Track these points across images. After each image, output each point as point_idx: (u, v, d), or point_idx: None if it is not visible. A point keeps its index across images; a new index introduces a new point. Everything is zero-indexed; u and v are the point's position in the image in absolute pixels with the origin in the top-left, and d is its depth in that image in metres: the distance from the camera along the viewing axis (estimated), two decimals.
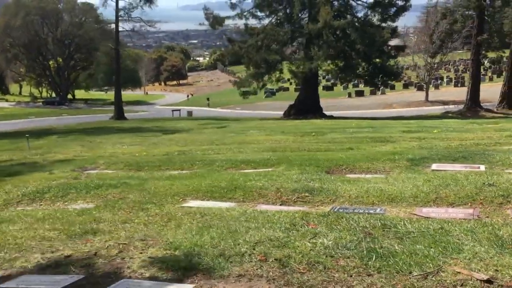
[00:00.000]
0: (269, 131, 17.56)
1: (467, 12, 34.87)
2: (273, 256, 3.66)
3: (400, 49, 38.30)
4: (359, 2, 37.61)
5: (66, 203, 6.68)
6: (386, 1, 36.00)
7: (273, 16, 37.71)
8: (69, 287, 3.43)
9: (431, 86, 56.44)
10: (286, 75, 42.95)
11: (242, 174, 7.38)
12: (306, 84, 38.68)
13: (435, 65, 47.18)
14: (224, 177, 7.12)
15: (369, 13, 37.42)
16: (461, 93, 56.30)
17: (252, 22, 38.18)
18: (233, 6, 37.57)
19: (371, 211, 4.98)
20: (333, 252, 3.70)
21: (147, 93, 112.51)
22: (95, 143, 16.87)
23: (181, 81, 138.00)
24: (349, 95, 61.35)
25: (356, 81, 73.10)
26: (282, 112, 43.43)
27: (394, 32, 36.94)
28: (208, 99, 72.71)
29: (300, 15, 36.12)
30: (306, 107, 38.23)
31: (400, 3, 36.16)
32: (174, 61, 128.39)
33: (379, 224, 4.33)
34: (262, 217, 4.74)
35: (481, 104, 37.21)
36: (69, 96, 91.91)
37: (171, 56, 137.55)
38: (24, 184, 7.75)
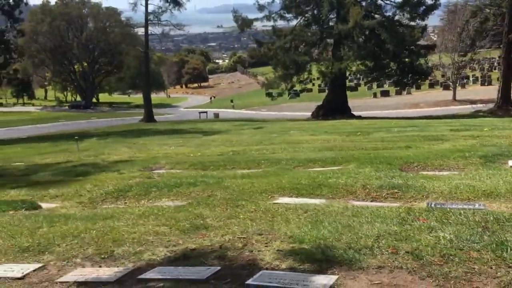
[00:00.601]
0: (311, 131, 17.62)
1: (498, 10, 34.42)
2: (403, 249, 3.75)
3: (429, 48, 38.04)
4: (387, 1, 37.41)
5: (150, 201, 6.87)
6: (415, 0, 35.75)
7: (301, 17, 37.71)
8: (212, 277, 3.57)
9: (457, 85, 55.83)
10: (311, 75, 42.88)
11: (317, 172, 7.47)
12: (334, 84, 38.59)
13: (463, 64, 46.62)
14: (300, 175, 7.23)
15: (397, 12, 37.17)
16: (488, 92, 55.68)
17: (280, 23, 38.26)
18: (260, 8, 37.65)
19: (471, 206, 5.03)
20: (460, 245, 3.77)
21: (169, 95, 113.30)
22: (138, 144, 17.11)
23: (202, 84, 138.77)
24: (374, 95, 61.01)
25: (380, 81, 72.87)
26: (308, 113, 43.39)
27: (423, 31, 36.67)
28: (232, 101, 72.97)
29: (328, 15, 36.05)
30: (334, 107, 38.09)
31: (429, 1, 35.87)
32: (196, 64, 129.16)
33: (491, 218, 4.38)
34: (367, 212, 4.83)
35: None
36: (94, 100, 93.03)
37: (192, 59, 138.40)
38: (102, 184, 7.97)
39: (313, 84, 79.16)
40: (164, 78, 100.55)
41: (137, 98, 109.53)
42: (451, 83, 57.06)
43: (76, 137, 17.12)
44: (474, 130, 13.54)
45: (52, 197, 7.59)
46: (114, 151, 14.54)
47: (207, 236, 4.55)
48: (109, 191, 7.40)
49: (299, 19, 37.90)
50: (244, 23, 37.00)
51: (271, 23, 37.82)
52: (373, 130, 15.98)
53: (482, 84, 60.82)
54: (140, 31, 46.72)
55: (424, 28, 36.95)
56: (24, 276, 4.17)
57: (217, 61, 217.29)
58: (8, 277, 4.15)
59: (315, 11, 37.62)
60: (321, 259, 3.66)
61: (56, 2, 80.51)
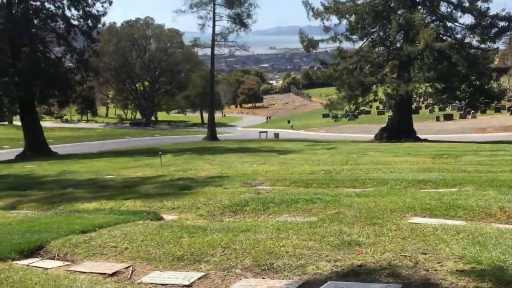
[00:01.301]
0: (390, 153, 17.36)
1: None
2: None
3: (502, 71, 36.90)
4: (457, 24, 36.70)
5: (270, 216, 6.89)
6: (487, 22, 34.86)
7: (367, 38, 37.52)
8: None
9: None
10: (377, 97, 42.36)
11: (436, 193, 7.30)
12: (399, 107, 37.95)
13: None
14: (421, 195, 7.08)
15: (467, 34, 36.35)
16: None
17: (345, 44, 38.19)
18: (326, 29, 37.75)
19: None
20: None
21: (225, 115, 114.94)
22: (217, 161, 17.34)
23: (256, 104, 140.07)
24: (437, 118, 59.60)
25: (443, 105, 71.18)
26: (368, 135, 42.88)
27: (496, 54, 35.65)
28: (289, 121, 73.25)
29: (395, 36, 35.67)
30: (399, 130, 37.43)
31: (502, 23, 34.89)
32: (251, 84, 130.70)
33: None
34: None
35: None
36: (152, 118, 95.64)
37: (248, 79, 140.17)
38: (214, 197, 8.09)
39: (370, 106, 78.34)
40: (221, 97, 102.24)
41: (193, 117, 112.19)
42: None
43: (160, 153, 17.57)
44: None
45: (169, 209, 7.77)
46: (199, 167, 14.78)
47: (365, 253, 4.50)
48: (225, 204, 7.49)
49: (364, 40, 37.72)
50: (310, 44, 37.18)
51: (337, 44, 37.84)
52: (459, 153, 15.55)
53: None
54: (201, 51, 47.70)
55: (496, 50, 35.90)
56: (191, 284, 4.26)
57: (270, 82, 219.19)
58: (176, 284, 4.26)
59: (381, 33, 37.38)
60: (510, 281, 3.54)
61: (121, 24, 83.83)
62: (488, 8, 34.43)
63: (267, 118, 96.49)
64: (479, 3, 34.85)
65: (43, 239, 5.72)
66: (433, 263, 4.06)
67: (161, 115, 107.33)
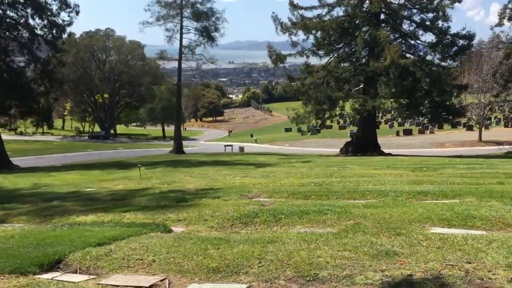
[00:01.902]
0: (367, 166, 17.61)
1: None
2: None
3: (461, 88, 38.21)
4: (419, 41, 37.86)
5: (284, 227, 6.83)
6: (448, 40, 36.15)
7: (333, 54, 38.20)
8: None
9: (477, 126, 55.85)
10: (343, 111, 43.11)
11: (442, 204, 7.42)
12: (364, 121, 38.67)
13: (491, 105, 46.75)
14: (431, 207, 7.18)
15: (428, 51, 37.55)
16: None
17: (313, 60, 38.72)
18: (294, 44, 38.23)
19: None
20: None
21: (185, 128, 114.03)
22: (195, 174, 17.13)
23: (217, 118, 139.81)
24: (397, 133, 61.07)
25: (406, 120, 73.09)
26: (332, 149, 43.55)
27: (457, 71, 36.94)
28: (251, 135, 73.40)
29: (361, 53, 36.46)
30: (364, 144, 38.11)
31: (462, 42, 36.24)
32: (212, 98, 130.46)
33: None
34: None
35: None
36: (111, 131, 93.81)
37: (208, 92, 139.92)
38: (219, 209, 7.95)
39: (332, 121, 79.68)
40: (183, 111, 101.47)
41: (153, 130, 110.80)
42: (474, 124, 57.16)
43: (139, 165, 17.20)
44: None
45: (174, 221, 7.58)
46: (181, 179, 14.54)
47: (407, 262, 4.51)
48: (235, 216, 7.37)
49: (331, 56, 38.37)
50: (278, 58, 37.50)
51: (304, 59, 38.32)
52: (436, 166, 15.93)
53: (506, 126, 60.87)
54: (168, 65, 47.45)
55: (457, 68, 37.23)
56: None
57: (230, 96, 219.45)
58: None
59: (347, 49, 38.15)
60: None
61: (81, 35, 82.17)
62: (449, 27, 35.74)
63: (229, 132, 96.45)
64: (440, 22, 36.14)
65: (60, 252, 5.46)
66: (484, 272, 4.10)
67: (120, 128, 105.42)
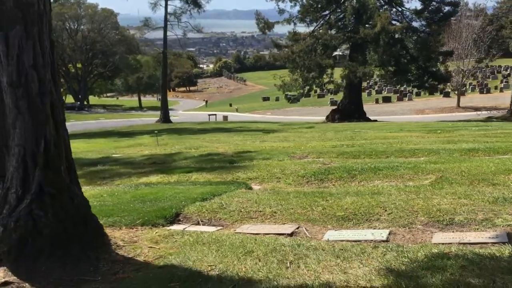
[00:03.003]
0: (379, 130, 17.98)
1: None
2: None
3: (447, 54, 38.88)
4: (404, 8, 38.13)
5: (361, 182, 7.05)
6: (434, 7, 36.56)
7: (320, 21, 38.17)
8: None
9: (456, 92, 57.08)
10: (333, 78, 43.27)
11: (508, 159, 7.70)
12: (351, 89, 39.10)
13: (472, 71, 47.77)
14: (498, 161, 7.41)
15: (414, 18, 37.89)
16: (489, 99, 57.19)
17: (300, 27, 38.63)
18: (281, 12, 38.04)
19: None
20: None
21: (159, 99, 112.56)
22: (208, 139, 17.13)
23: (190, 88, 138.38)
24: (376, 101, 61.87)
25: (378, 87, 73.93)
26: (315, 117, 44.06)
27: (444, 37, 37.49)
28: (231, 104, 73.24)
29: (350, 19, 36.50)
30: (350, 111, 38.64)
31: (447, 8, 36.72)
32: (186, 68, 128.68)
33: None
34: None
35: None
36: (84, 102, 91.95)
37: (179, 62, 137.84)
38: (286, 168, 8.07)
39: (315, 91, 79.97)
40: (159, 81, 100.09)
41: (126, 100, 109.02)
42: (450, 91, 58.39)
43: (155, 131, 17.13)
44: None
45: (245, 180, 7.67)
46: (202, 144, 14.56)
47: None
48: (307, 174, 7.54)
49: (318, 23, 38.33)
50: (266, 26, 37.28)
51: (291, 26, 38.21)
52: (448, 128, 16.39)
53: (481, 92, 62.33)
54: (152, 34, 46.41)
55: (443, 35, 37.75)
56: (387, 239, 4.34)
57: (201, 66, 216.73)
58: (371, 240, 4.28)
59: (332, 16, 38.17)
60: None
61: (51, 3, 79.33)
62: None
63: (205, 102, 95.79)
64: None
65: (175, 206, 5.55)
66: None
67: (92, 99, 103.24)
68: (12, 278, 3.53)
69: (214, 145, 14.44)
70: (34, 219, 3.73)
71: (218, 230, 4.95)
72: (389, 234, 4.45)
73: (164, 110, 41.97)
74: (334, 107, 47.64)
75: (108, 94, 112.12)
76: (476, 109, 50.41)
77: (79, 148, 16.70)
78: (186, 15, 40.10)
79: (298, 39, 38.05)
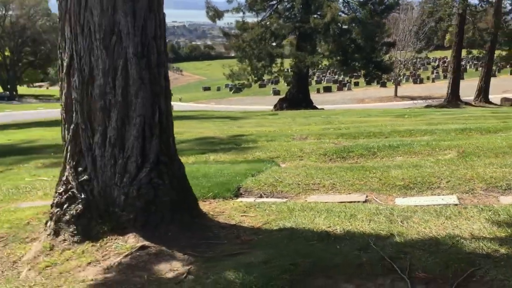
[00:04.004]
0: (349, 116, 18.57)
1: (452, 11, 37.52)
2: None
3: (390, 45, 40.57)
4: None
5: (383, 159, 7.41)
6: None
7: (268, 10, 38.60)
8: None
9: (391, 82, 59.62)
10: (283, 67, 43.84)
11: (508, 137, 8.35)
12: (298, 78, 39.94)
13: (405, 62, 50.08)
14: (502, 138, 8.03)
15: (358, 9, 39.11)
16: (422, 89, 60.27)
17: (249, 16, 38.88)
18: (229, 0, 38.21)
19: None
20: None
21: None
22: (186, 126, 16.97)
23: None
24: (318, 90, 63.31)
25: (317, 78, 75.55)
26: (263, 107, 44.73)
27: (389, 28, 39.06)
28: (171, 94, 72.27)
29: (300, 9, 37.12)
30: (298, 100, 39.47)
31: (389, 1, 38.20)
32: None
33: None
34: None
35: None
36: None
37: None
38: (303, 148, 8.31)
39: (248, 80, 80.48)
40: None
41: (56, 90, 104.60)
42: (386, 81, 60.91)
43: None
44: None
45: (267, 159, 7.83)
46: (183, 130, 14.48)
47: None
48: (327, 152, 7.81)
49: (267, 12, 38.74)
50: (216, 14, 37.23)
51: (240, 15, 38.40)
52: (414, 113, 17.27)
53: (415, 82, 65.41)
54: None
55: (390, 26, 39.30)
56: (459, 202, 4.72)
57: None
58: (447, 204, 4.64)
59: (279, 6, 38.74)
60: None
61: None
62: None
63: None
64: None
65: (234, 181, 5.68)
66: None
67: (20, 89, 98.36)
68: (145, 243, 3.58)
69: (196, 130, 14.41)
70: (154, 187, 3.79)
71: (290, 200, 5.14)
72: (459, 199, 4.83)
73: None
74: (278, 97, 48.53)
75: (36, 84, 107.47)
76: (412, 98, 53.00)
77: (40, 136, 16.08)
78: None
79: (247, 28, 38.33)
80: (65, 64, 3.75)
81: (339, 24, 34.06)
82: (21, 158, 9.84)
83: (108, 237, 3.68)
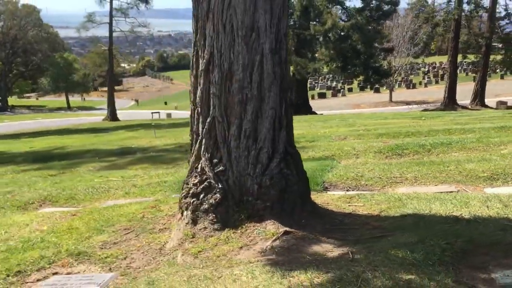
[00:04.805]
0: (365, 119, 18.83)
1: (448, 16, 38.09)
2: None
3: (388, 50, 41.14)
4: (345, 6, 39.71)
5: (439, 155, 7.64)
6: (374, 5, 38.45)
7: None
8: None
9: (384, 88, 60.24)
10: None
11: None
12: (298, 84, 40.24)
13: (400, 68, 50.70)
14: None
15: (355, 16, 39.59)
16: (416, 94, 60.97)
17: None
18: None
19: None
20: None
21: (84, 99, 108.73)
22: None
23: (116, 87, 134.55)
24: (312, 97, 63.67)
25: (310, 84, 76.00)
26: None
27: (388, 34, 39.60)
28: (166, 103, 72.51)
29: (299, 16, 37.48)
30: (298, 105, 39.76)
31: (387, 7, 38.75)
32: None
33: None
34: None
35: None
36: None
37: (102, 60, 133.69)
38: (355, 147, 8.51)
39: None
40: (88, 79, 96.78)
41: (49, 101, 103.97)
42: (379, 86, 61.49)
43: (153, 124, 16.90)
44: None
45: (325, 157, 8.03)
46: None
47: None
48: (382, 150, 8.02)
49: None
50: None
51: None
52: (428, 116, 17.57)
53: (408, 88, 66.14)
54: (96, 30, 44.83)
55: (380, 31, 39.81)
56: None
57: (122, 65, 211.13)
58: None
59: None
60: None
61: None
62: None
63: (136, 101, 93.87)
64: None
65: (318, 176, 5.87)
66: None
67: (10, 100, 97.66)
68: (286, 228, 3.73)
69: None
70: (284, 176, 3.95)
71: (379, 191, 5.32)
72: None
73: (112, 108, 40.86)
74: None
75: (26, 95, 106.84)
76: (407, 103, 53.46)
77: (62, 143, 16.16)
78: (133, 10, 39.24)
79: None
80: (204, 61, 3.92)
81: (338, 30, 34.39)
82: (66, 163, 9.94)
83: (246, 225, 3.83)
